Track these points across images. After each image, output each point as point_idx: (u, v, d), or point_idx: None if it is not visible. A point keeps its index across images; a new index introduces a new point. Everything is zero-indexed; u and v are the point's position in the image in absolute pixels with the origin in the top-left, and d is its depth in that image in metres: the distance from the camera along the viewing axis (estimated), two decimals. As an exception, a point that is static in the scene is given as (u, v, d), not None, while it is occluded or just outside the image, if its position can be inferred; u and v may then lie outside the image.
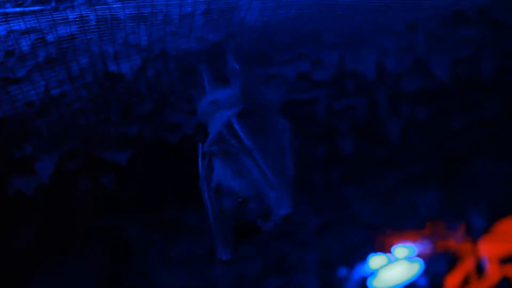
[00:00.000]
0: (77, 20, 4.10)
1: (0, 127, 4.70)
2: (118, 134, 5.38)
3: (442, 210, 7.17)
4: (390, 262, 7.19)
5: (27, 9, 3.95)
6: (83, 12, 4.07)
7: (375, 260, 7.19)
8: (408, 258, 7.20)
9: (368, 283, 7.22)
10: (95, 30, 4.23)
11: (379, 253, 7.18)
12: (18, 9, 3.95)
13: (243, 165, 3.76)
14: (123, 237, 6.59)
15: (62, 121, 4.96)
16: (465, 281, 7.09)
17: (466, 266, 7.12)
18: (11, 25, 4.01)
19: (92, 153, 5.49)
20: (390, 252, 7.19)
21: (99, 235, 6.44)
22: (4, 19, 3.96)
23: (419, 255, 7.20)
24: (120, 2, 3.98)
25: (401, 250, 7.20)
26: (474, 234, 7.16)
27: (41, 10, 3.98)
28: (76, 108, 4.87)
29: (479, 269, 7.09)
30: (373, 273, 7.20)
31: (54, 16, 4.02)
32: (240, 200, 3.69)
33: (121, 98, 5.01)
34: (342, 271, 7.21)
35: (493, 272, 7.02)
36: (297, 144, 3.99)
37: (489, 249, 7.08)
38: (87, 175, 5.68)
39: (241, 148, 3.79)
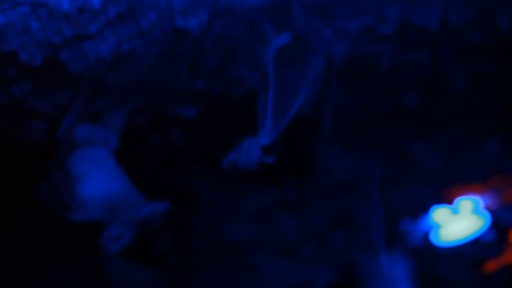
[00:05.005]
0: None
1: (74, 83, 4.86)
2: (185, 89, 5.48)
3: (508, 162, 7.09)
4: (454, 215, 7.16)
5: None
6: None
7: (439, 214, 7.17)
8: (474, 212, 7.16)
9: (432, 237, 7.20)
10: (163, -14, 4.35)
11: (443, 206, 7.15)
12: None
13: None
14: (191, 190, 6.72)
15: (131, 77, 5.09)
16: (532, 234, 7.04)
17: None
18: (82, -18, 4.16)
19: (160, 108, 5.61)
20: (454, 205, 7.15)
21: (168, 189, 6.57)
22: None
23: (484, 208, 7.15)
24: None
25: (466, 203, 7.15)
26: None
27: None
28: (145, 64, 4.99)
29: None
30: (437, 227, 7.18)
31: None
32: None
33: (188, 54, 5.10)
34: (406, 225, 7.21)
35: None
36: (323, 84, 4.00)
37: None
38: (156, 130, 5.82)
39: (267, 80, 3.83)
